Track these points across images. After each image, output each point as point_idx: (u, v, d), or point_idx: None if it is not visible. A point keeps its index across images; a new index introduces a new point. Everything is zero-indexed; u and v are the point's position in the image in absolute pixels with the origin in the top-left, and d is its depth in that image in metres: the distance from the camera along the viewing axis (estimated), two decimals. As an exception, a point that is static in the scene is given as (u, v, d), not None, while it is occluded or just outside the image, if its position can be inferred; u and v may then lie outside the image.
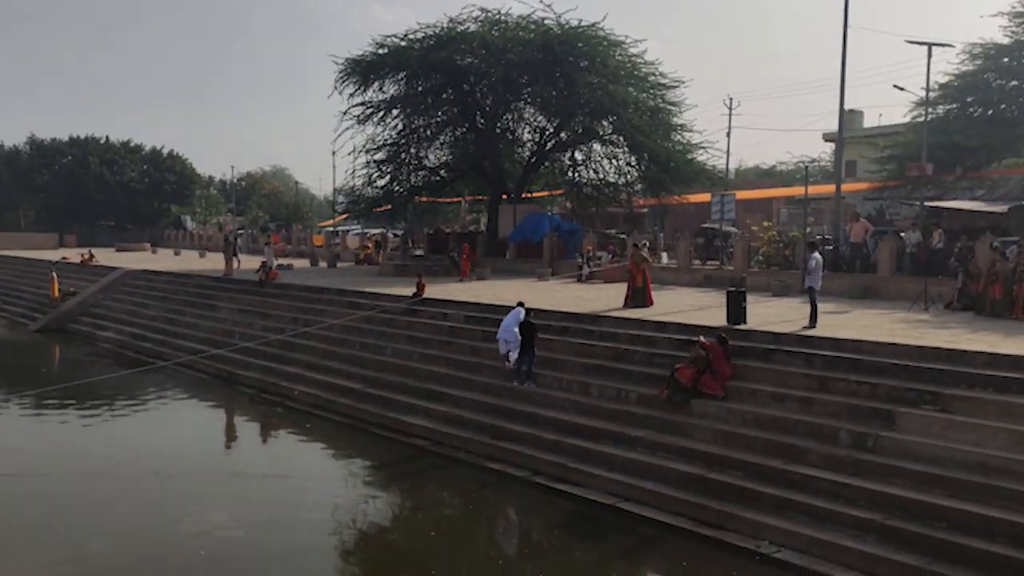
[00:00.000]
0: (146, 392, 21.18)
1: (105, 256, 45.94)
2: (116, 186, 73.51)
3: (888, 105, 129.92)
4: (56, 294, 34.79)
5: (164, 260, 44.73)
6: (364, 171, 38.24)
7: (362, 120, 37.10)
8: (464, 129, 38.40)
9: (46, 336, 31.18)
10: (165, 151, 79.40)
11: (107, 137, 77.15)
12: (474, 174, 40.01)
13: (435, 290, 23.40)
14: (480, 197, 44.47)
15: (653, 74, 35.33)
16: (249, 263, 33.07)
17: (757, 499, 11.46)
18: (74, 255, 45.95)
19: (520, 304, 16.98)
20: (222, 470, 15.27)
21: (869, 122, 50.67)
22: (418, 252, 38.76)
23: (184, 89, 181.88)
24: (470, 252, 32.33)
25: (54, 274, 36.29)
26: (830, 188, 33.12)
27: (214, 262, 38.01)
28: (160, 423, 18.90)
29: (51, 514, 12.60)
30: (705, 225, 33.47)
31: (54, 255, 47.74)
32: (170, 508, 12.93)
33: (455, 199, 47.75)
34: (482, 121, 37.50)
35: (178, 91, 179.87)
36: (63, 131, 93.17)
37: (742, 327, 15.58)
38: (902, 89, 44.71)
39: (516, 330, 16.14)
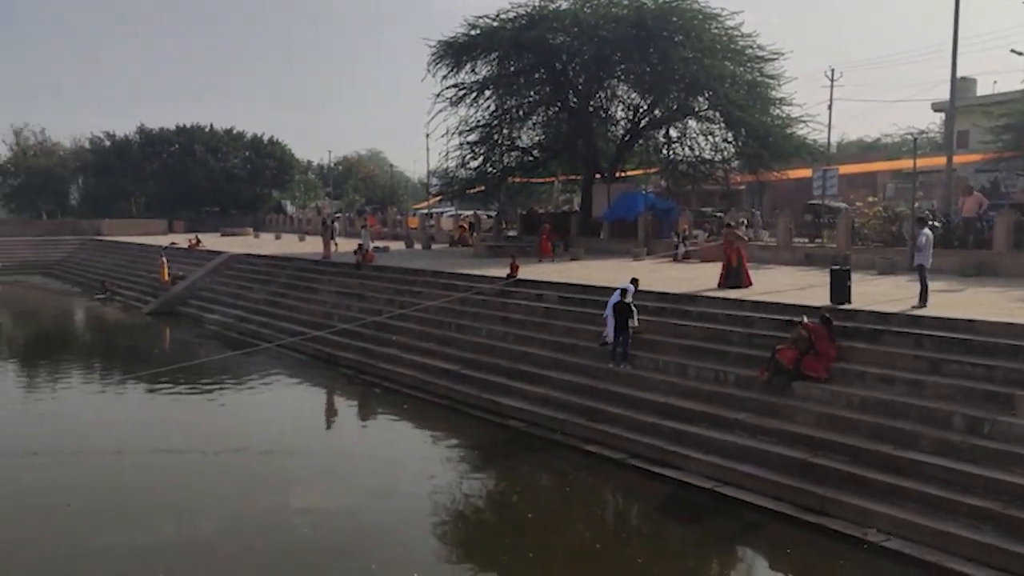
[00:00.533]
0: (250, 373, 21.86)
1: (211, 241, 47.64)
2: (220, 172, 76.16)
3: (1004, 71, 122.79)
4: (166, 278, 36.33)
5: (266, 244, 46.08)
6: (457, 153, 38.48)
7: (455, 102, 37.29)
8: (557, 108, 38.16)
9: (157, 318, 32.56)
10: (265, 137, 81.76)
11: (211, 125, 79.94)
12: (567, 154, 39.79)
13: (529, 271, 23.37)
14: (573, 177, 44.23)
15: (750, 47, 34.33)
16: (346, 246, 33.78)
17: (864, 485, 11.05)
18: (182, 240, 47.84)
19: (634, 281, 16.97)
20: (324, 449, 15.64)
21: (983, 90, 48.08)
22: (511, 233, 38.84)
23: (282, 76, 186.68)
24: (560, 232, 32.35)
25: (164, 259, 37.93)
26: (940, 160, 31.63)
27: (313, 245, 38.94)
28: (264, 403, 19.48)
29: (164, 489, 13.13)
30: (813, 201, 32.37)
31: (163, 241, 49.81)
32: (275, 485, 13.34)
33: (548, 179, 47.60)
34: (575, 100, 37.19)
35: (277, 78, 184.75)
36: (170, 120, 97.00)
37: (846, 307, 15.01)
38: (1020, 54, 42.07)
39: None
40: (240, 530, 11.49)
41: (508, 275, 22.17)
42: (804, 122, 34.95)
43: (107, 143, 78.47)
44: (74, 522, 11.75)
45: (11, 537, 11.20)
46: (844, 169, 38.75)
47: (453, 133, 38.38)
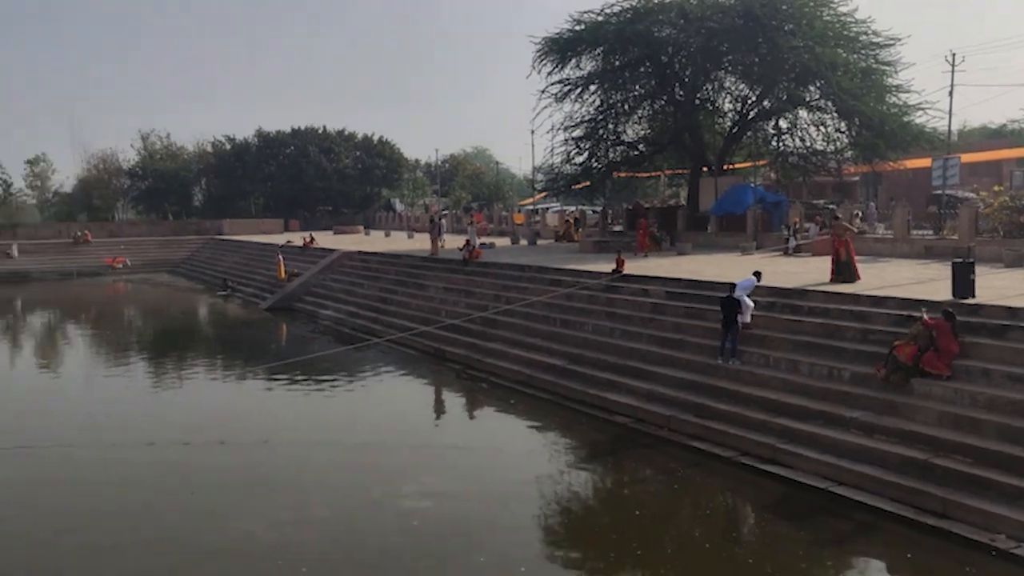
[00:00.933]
0: (362, 367, 22.48)
1: (324, 239, 49.06)
2: (332, 172, 78.43)
3: None
4: (282, 275, 37.69)
5: (376, 242, 47.21)
6: (562, 148, 38.52)
7: (560, 98, 37.30)
8: (663, 102, 37.74)
9: (275, 314, 33.80)
10: (375, 137, 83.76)
11: (324, 127, 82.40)
12: (673, 147, 39.30)
13: (635, 266, 23.22)
14: (680, 171, 43.67)
15: (865, 33, 33.10)
16: (453, 242, 34.26)
17: (990, 488, 10.55)
18: (297, 239, 49.43)
19: (756, 274, 16.92)
20: (432, 443, 15.94)
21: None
22: (617, 228, 38.66)
23: (391, 77, 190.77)
24: (666, 227, 32.11)
25: (280, 257, 39.35)
26: (1074, 146, 29.78)
27: (421, 242, 39.68)
28: (375, 397, 20.00)
29: (279, 478, 13.68)
30: (938, 191, 30.87)
31: (280, 239, 51.61)
32: (384, 477, 13.69)
33: (654, 173, 47.13)
34: (681, 93, 36.69)
35: (386, 80, 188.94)
36: (285, 123, 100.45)
37: (970, 301, 14.35)
38: None
39: (746, 297, 16.14)
40: (352, 520, 11.85)
41: (614, 270, 22.08)
42: (923, 109, 33.48)
43: (227, 146, 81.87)
44: (197, 508, 12.39)
45: (143, 523, 11.88)
46: (966, 158, 37.03)
47: (558, 129, 38.46)
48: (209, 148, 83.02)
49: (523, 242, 40.60)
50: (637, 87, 37.10)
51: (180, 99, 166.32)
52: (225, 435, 16.12)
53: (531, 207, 60.70)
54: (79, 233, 61.65)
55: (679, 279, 20.41)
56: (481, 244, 33.12)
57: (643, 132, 39.67)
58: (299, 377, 21.02)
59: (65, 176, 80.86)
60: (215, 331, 33.32)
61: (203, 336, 32.20)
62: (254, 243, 53.16)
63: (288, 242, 47.93)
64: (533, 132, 75.58)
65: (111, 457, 14.90)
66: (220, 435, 16.11)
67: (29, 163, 78.84)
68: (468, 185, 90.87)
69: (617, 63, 35.76)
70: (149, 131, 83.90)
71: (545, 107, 38.02)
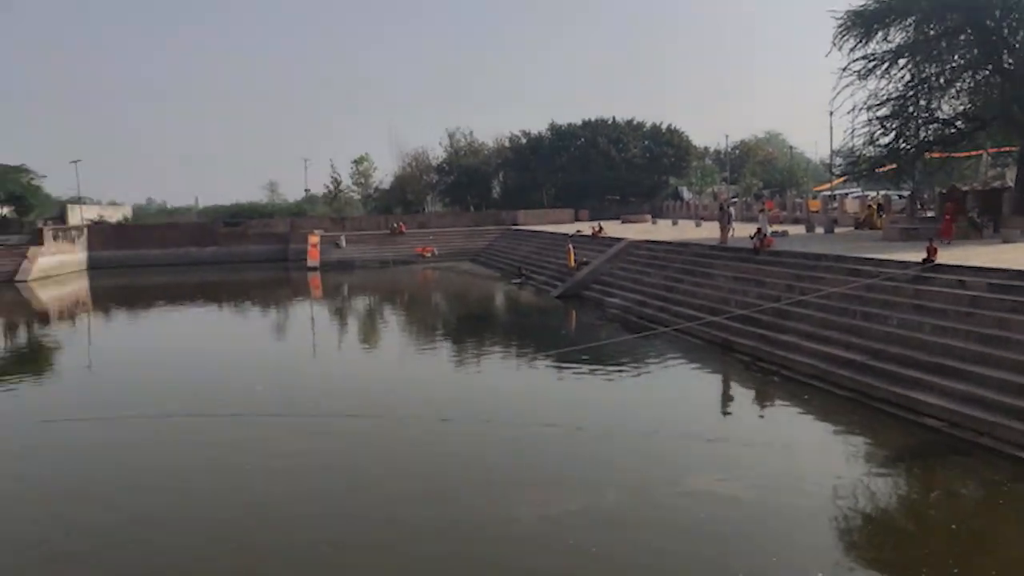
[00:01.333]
0: (648, 356, 22.42)
1: (611, 228, 49.73)
2: (621, 162, 79.36)
3: None
4: (572, 264, 38.72)
5: (662, 230, 46.96)
6: (865, 129, 35.76)
7: (863, 75, 34.65)
8: (986, 72, 33.77)
9: (564, 302, 34.78)
10: (664, 126, 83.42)
11: (613, 118, 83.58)
12: (999, 123, 35.07)
13: (949, 255, 21.07)
14: (1007, 148, 39.02)
15: None
16: (743, 231, 33.19)
17: None
18: (586, 228, 50.56)
19: None
20: (718, 435, 15.51)
21: None
22: (928, 214, 35.38)
23: (682, 63, 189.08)
24: (989, 212, 28.86)
25: (570, 245, 40.47)
26: None
27: (709, 231, 38.90)
28: (661, 386, 19.85)
29: (567, 460, 14.03)
30: None
31: (569, 229, 53.06)
32: (668, 468, 13.50)
33: (974, 153, 42.49)
34: (1010, 61, 32.59)
35: (677, 66, 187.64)
36: (577, 116, 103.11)
37: None
38: None
39: None
40: (634, 512, 11.78)
41: (924, 259, 20.19)
42: None
43: (523, 140, 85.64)
44: (489, 484, 13.03)
45: (434, 503, 12.70)
46: None
47: (860, 109, 35.79)
48: (506, 143, 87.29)
49: (819, 230, 38.49)
50: (955, 57, 33.51)
51: (484, 96, 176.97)
52: (513, 417, 16.83)
53: (828, 193, 57.28)
54: (395, 225, 67.51)
55: (1003, 269, 18.18)
56: (773, 232, 31.79)
57: (961, 107, 35.76)
58: (588, 364, 21.38)
59: (384, 174, 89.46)
60: (511, 317, 34.91)
61: (500, 322, 33.86)
62: (545, 232, 55.05)
63: (578, 231, 49.09)
64: (832, 113, 71.02)
65: (409, 433, 16.08)
66: (507, 416, 16.85)
67: (355, 163, 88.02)
68: (759, 171, 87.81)
69: (931, 32, 32.55)
70: (455, 129, 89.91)
71: (846, 86, 35.52)
